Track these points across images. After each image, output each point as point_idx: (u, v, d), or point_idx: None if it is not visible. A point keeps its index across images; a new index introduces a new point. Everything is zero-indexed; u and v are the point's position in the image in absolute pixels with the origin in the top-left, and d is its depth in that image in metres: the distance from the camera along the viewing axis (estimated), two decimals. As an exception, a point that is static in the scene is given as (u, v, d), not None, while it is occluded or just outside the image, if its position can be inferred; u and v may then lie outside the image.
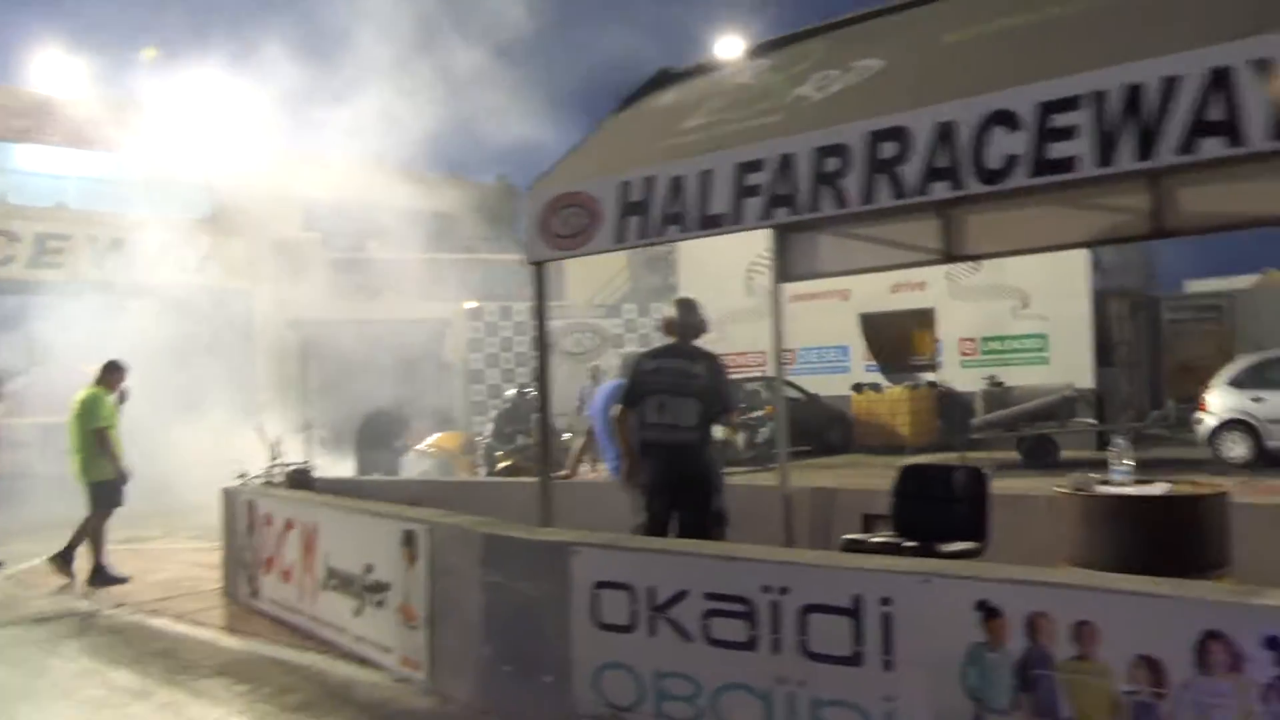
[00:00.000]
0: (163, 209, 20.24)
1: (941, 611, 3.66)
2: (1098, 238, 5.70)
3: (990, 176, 3.79)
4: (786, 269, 6.80)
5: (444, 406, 22.46)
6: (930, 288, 21.01)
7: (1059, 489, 4.64)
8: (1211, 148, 3.34)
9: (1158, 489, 4.45)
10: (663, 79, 5.79)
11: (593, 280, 25.62)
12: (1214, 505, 4.40)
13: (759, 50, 5.42)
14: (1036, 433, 16.53)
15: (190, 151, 19.32)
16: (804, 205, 4.27)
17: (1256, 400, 14.77)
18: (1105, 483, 4.61)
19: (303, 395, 21.88)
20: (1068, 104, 3.60)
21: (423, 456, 15.90)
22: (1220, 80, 3.29)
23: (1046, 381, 18.38)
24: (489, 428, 16.94)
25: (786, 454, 7.01)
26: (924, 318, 21.23)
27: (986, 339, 20.32)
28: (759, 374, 22.04)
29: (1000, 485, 5.66)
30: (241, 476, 9.36)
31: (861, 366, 22.14)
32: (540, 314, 5.46)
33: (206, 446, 13.63)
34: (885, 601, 3.80)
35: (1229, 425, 15.02)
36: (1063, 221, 5.78)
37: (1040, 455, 16.27)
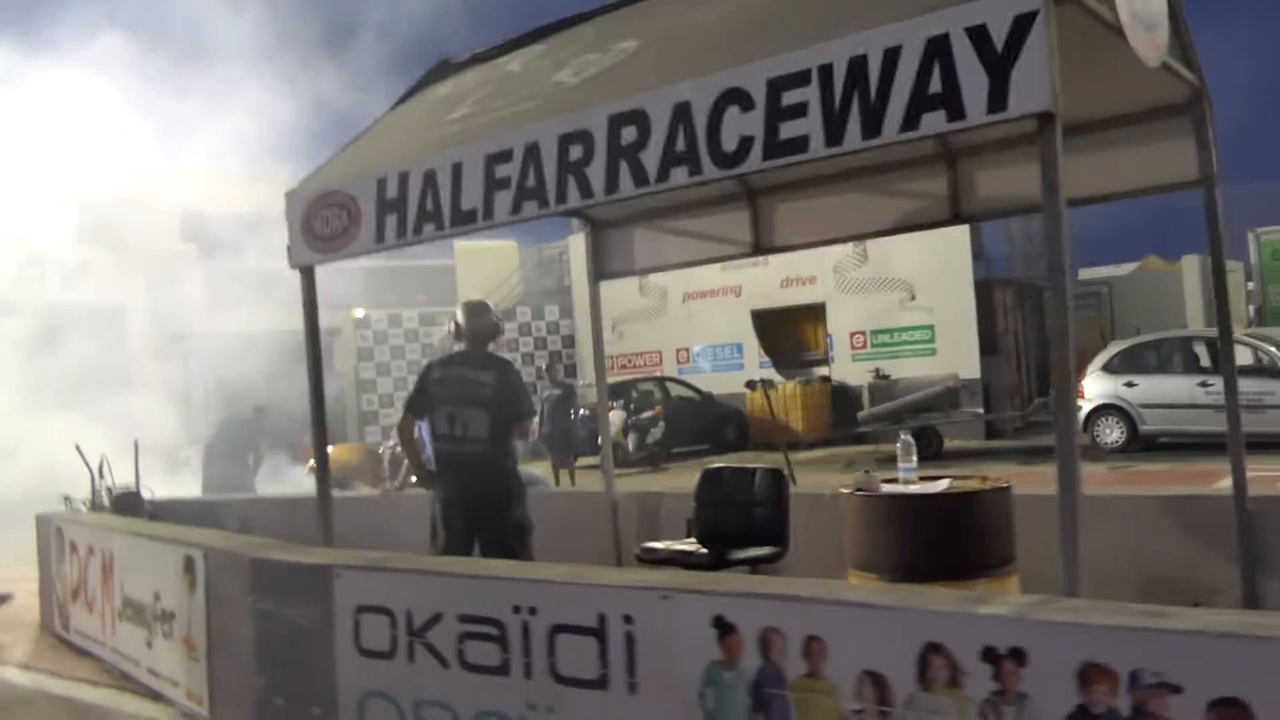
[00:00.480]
0: (26, 223, 19.40)
1: (682, 629, 3.39)
2: (902, 224, 5.53)
3: (726, 160, 3.54)
4: (601, 266, 6.53)
5: (334, 418, 21.89)
6: (820, 282, 21.03)
7: (842, 489, 4.41)
8: (932, 122, 3.12)
9: (938, 486, 4.24)
10: (442, 70, 5.47)
11: (484, 284, 25.19)
12: (995, 501, 4.20)
13: (535, 35, 5.14)
14: (921, 424, 16.52)
15: (53, 161, 18.57)
16: (551, 198, 3.99)
17: (1129, 385, 14.90)
18: (891, 480, 4.39)
19: (185, 412, 21.15)
20: (797, 80, 3.36)
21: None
22: (938, 50, 3.08)
23: (934, 372, 18.45)
24: (395, 436, 16.35)
25: (611, 460, 6.75)
26: (815, 312, 21.21)
27: (876, 332, 20.35)
28: (656, 375, 21.87)
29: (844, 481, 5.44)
30: (66, 500, 8.86)
31: (756, 363, 22.04)
32: (310, 322, 5.10)
33: (70, 470, 13.01)
34: (628, 620, 3.53)
35: (1103, 410, 15.14)
36: (868, 209, 5.60)
37: (924, 447, 16.26)
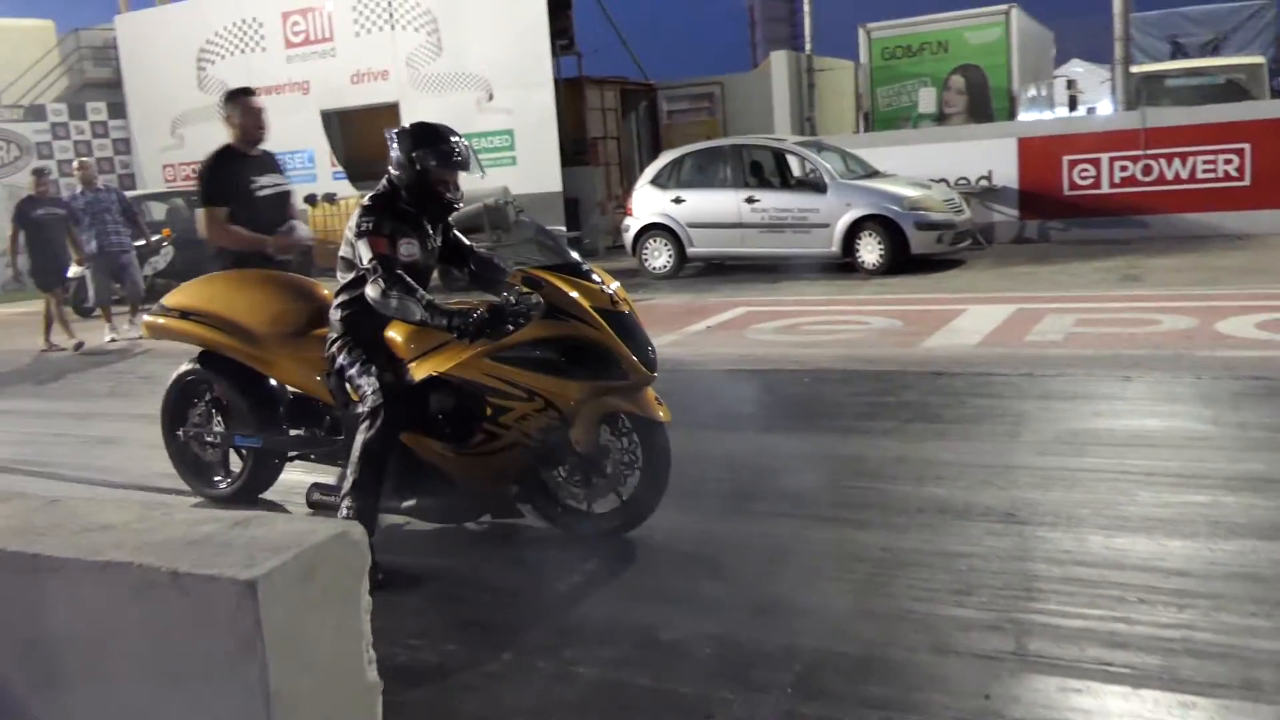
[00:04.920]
0: None
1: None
2: None
3: None
4: None
5: None
6: (393, 77, 17.97)
7: None
8: None
9: None
10: None
11: (7, 75, 20.65)
12: None
13: None
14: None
15: None
16: None
17: (677, 201, 12.80)
18: None
19: None
20: None
21: None
22: None
23: (516, 184, 15.90)
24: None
25: None
26: (390, 113, 18.13)
27: (453, 137, 17.51)
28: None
29: None
30: None
31: (329, 174, 18.88)
32: None
33: None
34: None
35: (651, 230, 13.04)
36: None
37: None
